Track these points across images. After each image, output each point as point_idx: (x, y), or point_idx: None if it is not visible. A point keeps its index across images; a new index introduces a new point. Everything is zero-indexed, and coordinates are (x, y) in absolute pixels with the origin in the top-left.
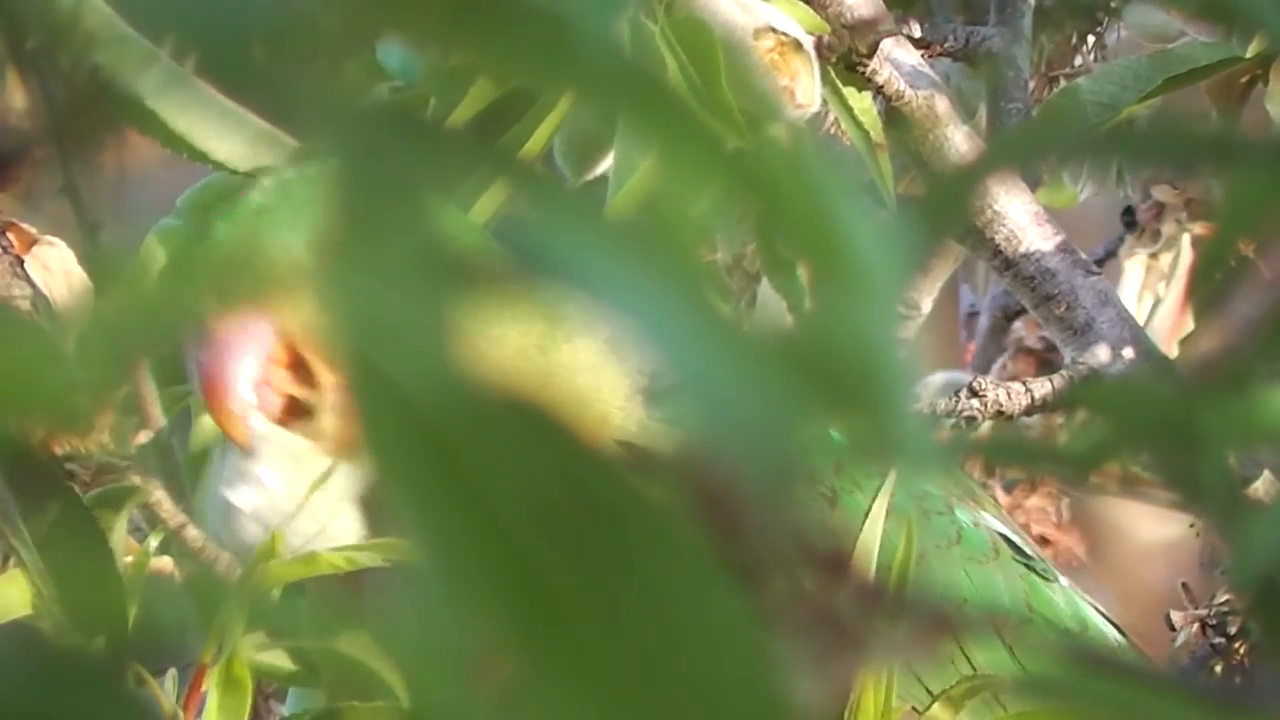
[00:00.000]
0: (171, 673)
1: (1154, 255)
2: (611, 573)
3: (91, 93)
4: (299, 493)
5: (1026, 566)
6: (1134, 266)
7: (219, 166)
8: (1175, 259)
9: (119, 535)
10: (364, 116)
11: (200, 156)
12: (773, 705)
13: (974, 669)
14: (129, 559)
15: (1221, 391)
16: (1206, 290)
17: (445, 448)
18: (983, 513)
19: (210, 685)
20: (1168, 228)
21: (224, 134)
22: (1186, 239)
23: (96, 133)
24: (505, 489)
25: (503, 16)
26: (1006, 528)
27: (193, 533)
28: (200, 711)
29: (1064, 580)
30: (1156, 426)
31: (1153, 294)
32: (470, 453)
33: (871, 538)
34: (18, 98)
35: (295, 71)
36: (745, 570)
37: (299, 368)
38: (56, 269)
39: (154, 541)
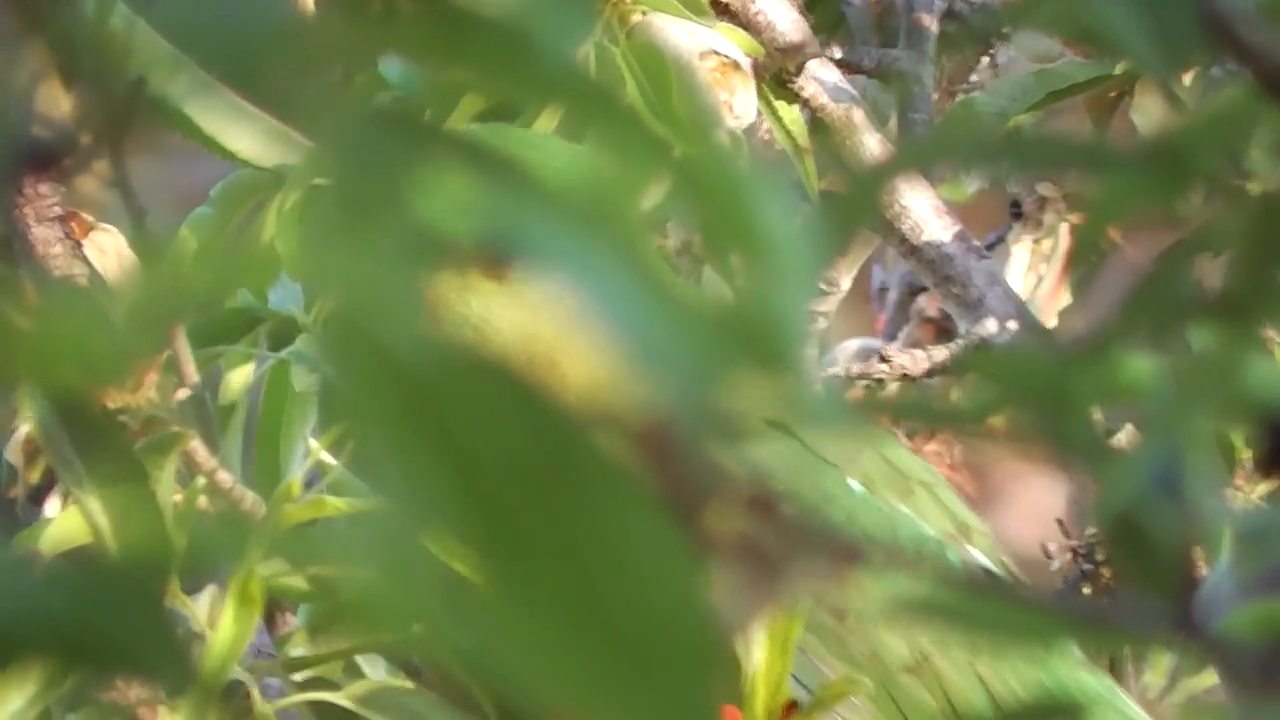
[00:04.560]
0: (210, 588)
1: (1037, 241)
2: (566, 510)
3: (135, 99)
4: None
5: None
6: (1020, 250)
7: (245, 162)
8: (1055, 244)
9: (168, 476)
10: (363, 119)
11: (229, 154)
12: (698, 623)
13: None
14: (178, 497)
15: (1091, 357)
16: (1081, 270)
17: (423, 400)
18: (970, 548)
19: (227, 599)
20: (1049, 217)
21: (249, 134)
22: (1064, 227)
23: (140, 134)
24: (476, 436)
25: (481, 39)
26: (991, 560)
27: (223, 476)
28: None
29: None
30: (1035, 388)
31: (1036, 274)
32: (446, 405)
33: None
34: (66, 104)
35: (306, 82)
36: (681, 508)
37: None
38: (111, 252)
39: (202, 481)
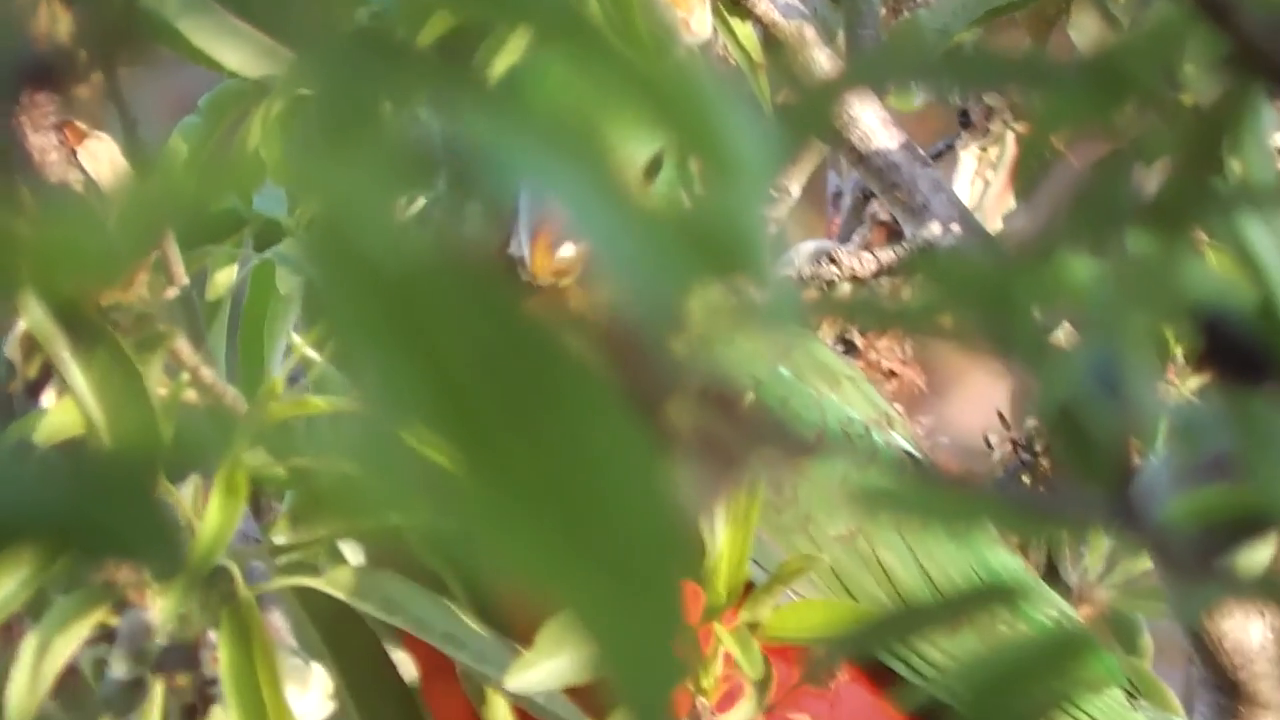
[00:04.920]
0: (193, 478)
1: (984, 148)
2: (536, 403)
3: (128, 15)
4: None
5: None
6: (968, 157)
7: (231, 74)
8: (1002, 151)
9: (155, 372)
10: (345, 33)
11: (216, 66)
12: (663, 509)
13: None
14: (164, 391)
15: (1033, 259)
16: (1026, 177)
17: (400, 301)
18: (893, 432)
19: (213, 489)
20: (996, 126)
21: (235, 48)
22: (1011, 135)
23: (132, 49)
24: (449, 334)
25: None
26: (910, 444)
27: (207, 372)
28: None
29: None
30: (978, 289)
31: (983, 180)
32: (421, 305)
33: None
34: (64, 22)
35: None
36: (645, 402)
37: None
38: (104, 159)
39: (186, 376)
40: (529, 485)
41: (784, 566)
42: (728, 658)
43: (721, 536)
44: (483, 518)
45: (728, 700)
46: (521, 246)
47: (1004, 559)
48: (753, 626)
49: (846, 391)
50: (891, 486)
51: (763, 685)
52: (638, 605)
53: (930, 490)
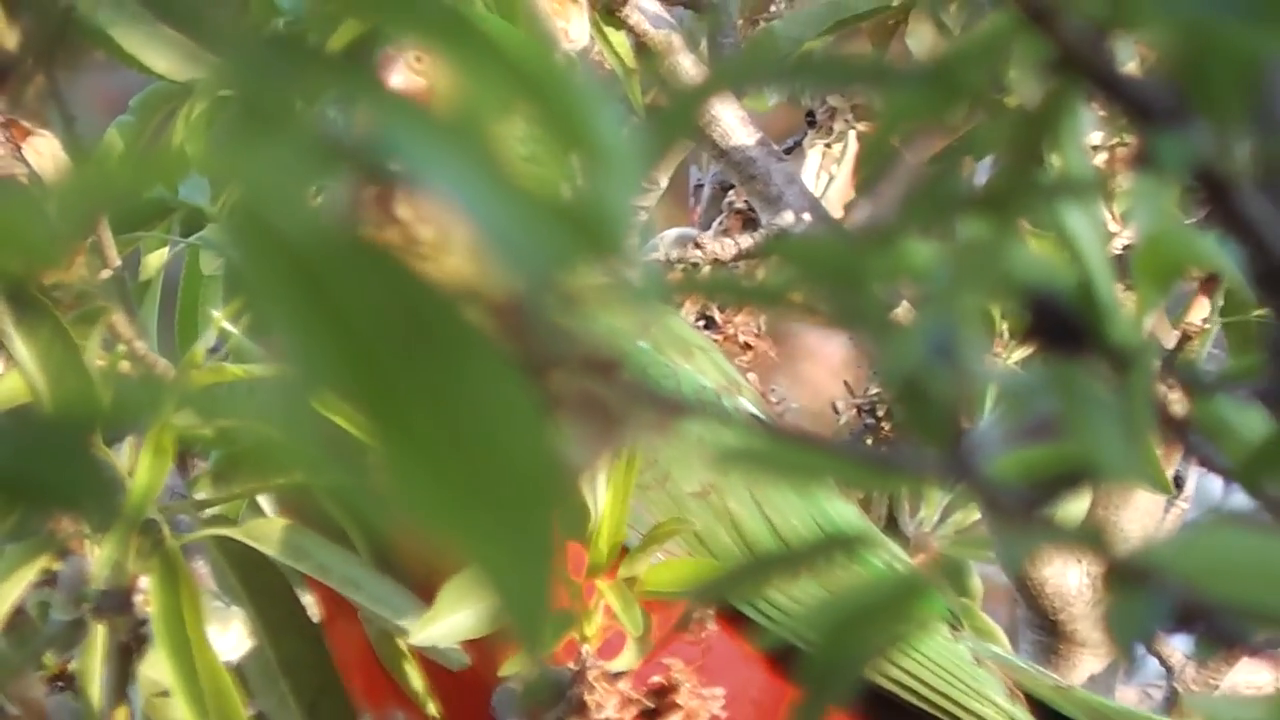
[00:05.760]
0: (129, 440)
1: (829, 145)
2: (434, 369)
3: (66, 23)
4: None
5: None
6: (814, 154)
7: (160, 77)
8: (844, 148)
9: (94, 344)
10: (261, 40)
11: (146, 70)
12: (545, 464)
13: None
14: (101, 362)
15: (877, 244)
16: (867, 171)
17: (312, 276)
18: (741, 398)
19: (143, 449)
20: (839, 125)
21: (163, 53)
22: (853, 134)
23: (71, 54)
24: (356, 306)
25: None
26: (757, 409)
27: (140, 345)
28: None
29: None
30: (828, 270)
31: (828, 174)
32: (331, 280)
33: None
34: (11, 34)
35: (212, 7)
36: (532, 369)
37: None
38: (47, 154)
39: (122, 349)
40: (427, 443)
41: (657, 529)
42: (607, 610)
43: (603, 503)
44: (386, 473)
45: (608, 647)
46: None
47: (841, 509)
48: (630, 582)
49: (699, 361)
50: (746, 445)
51: (642, 636)
52: (522, 540)
53: (783, 448)
